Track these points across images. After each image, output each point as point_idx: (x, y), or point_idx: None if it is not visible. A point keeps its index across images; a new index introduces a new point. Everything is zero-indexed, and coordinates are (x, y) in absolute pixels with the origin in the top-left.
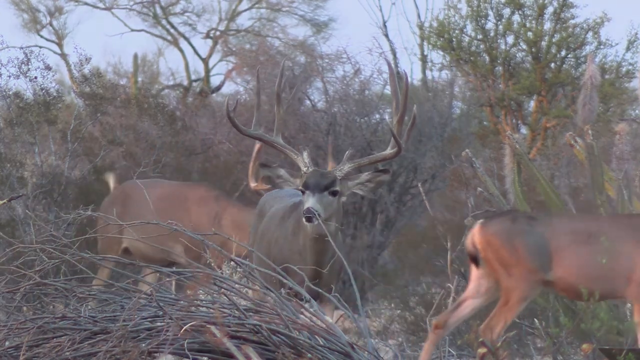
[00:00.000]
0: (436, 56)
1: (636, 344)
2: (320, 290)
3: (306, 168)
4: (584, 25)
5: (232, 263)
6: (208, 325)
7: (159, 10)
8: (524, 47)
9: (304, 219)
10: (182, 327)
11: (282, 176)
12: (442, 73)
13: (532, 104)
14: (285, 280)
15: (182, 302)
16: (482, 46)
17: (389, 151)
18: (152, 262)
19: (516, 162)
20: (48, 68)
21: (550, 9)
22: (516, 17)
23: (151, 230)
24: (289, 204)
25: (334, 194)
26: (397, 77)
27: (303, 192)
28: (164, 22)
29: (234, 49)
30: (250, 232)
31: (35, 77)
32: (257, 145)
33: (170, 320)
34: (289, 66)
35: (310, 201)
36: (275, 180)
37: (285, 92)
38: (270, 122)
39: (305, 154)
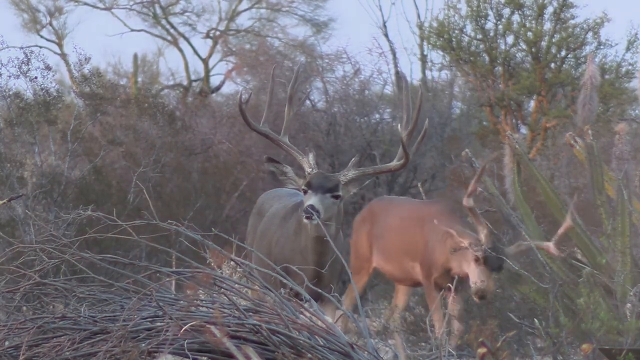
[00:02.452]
0: (436, 56)
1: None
2: (320, 291)
3: (311, 169)
4: (584, 25)
5: (231, 263)
6: (208, 325)
7: (158, 10)
8: (524, 47)
9: (303, 217)
10: (182, 327)
11: (287, 173)
12: (442, 73)
13: (532, 104)
14: (285, 281)
15: (182, 302)
16: (482, 46)
17: (395, 163)
18: (400, 283)
19: (516, 162)
20: (48, 68)
21: (550, 9)
22: (516, 17)
23: (394, 253)
24: (289, 203)
25: (336, 197)
26: (398, 78)
27: (305, 192)
28: (163, 22)
29: (233, 49)
30: (248, 232)
31: (35, 77)
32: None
33: (170, 320)
34: (289, 66)
35: (312, 199)
36: (279, 177)
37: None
38: (272, 121)
39: (310, 156)
